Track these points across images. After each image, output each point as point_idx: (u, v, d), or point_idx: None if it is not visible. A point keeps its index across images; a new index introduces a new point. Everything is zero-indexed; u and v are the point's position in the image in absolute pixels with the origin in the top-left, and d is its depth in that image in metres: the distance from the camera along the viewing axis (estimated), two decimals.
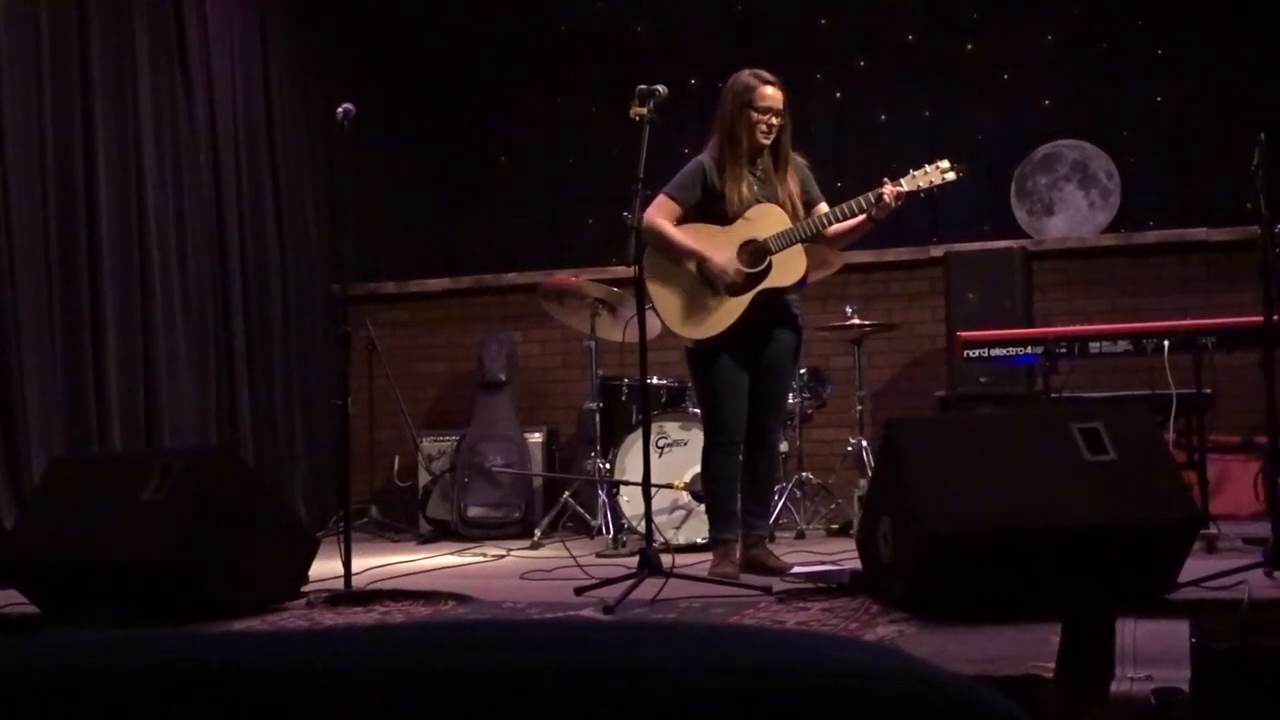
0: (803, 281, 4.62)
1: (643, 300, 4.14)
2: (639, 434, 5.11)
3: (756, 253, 4.49)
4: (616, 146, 7.34)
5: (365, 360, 7.15)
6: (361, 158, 7.56)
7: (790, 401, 6.05)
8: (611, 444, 6.03)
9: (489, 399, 7.30)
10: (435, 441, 7.34)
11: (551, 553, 5.56)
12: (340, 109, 4.41)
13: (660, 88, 4.28)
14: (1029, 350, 5.06)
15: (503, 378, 7.35)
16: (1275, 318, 3.90)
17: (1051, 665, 2.62)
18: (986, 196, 7.43)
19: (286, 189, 7.47)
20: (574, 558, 4.76)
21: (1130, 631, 2.89)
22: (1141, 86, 7.24)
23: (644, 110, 4.23)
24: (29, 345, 5.57)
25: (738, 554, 4.53)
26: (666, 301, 4.61)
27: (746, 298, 4.49)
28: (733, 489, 4.62)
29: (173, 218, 6.52)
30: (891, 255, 7.34)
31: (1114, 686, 2.75)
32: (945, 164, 4.52)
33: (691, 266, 4.51)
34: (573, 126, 7.95)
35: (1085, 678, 2.85)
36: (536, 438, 7.26)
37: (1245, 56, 6.98)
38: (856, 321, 6.27)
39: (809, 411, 6.31)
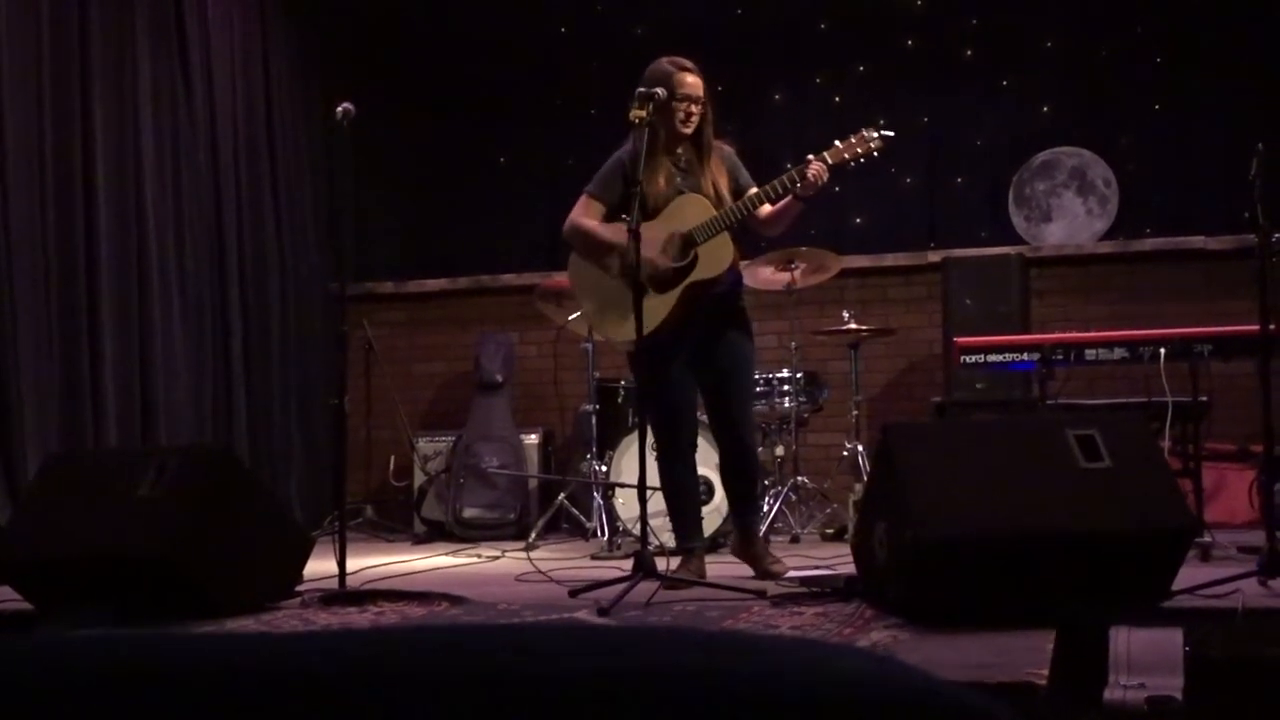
0: (735, 273, 4.53)
1: (640, 301, 4.07)
2: (635, 436, 5.10)
3: (682, 245, 4.38)
4: (616, 147, 7.34)
5: (362, 360, 7.15)
6: (361, 158, 7.57)
7: (786, 406, 6.06)
8: (607, 446, 6.03)
9: (485, 400, 7.30)
10: (431, 442, 7.33)
11: (546, 554, 5.56)
12: (340, 108, 4.41)
13: (659, 90, 4.27)
14: (1026, 357, 5.06)
15: (499, 379, 7.35)
16: (1271, 326, 3.90)
17: (1045, 672, 2.62)
18: (985, 203, 7.44)
19: (285, 188, 7.46)
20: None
21: (1124, 639, 2.89)
22: (1140, 94, 7.24)
23: (643, 113, 4.20)
24: (25, 341, 5.56)
25: (704, 562, 4.52)
26: (592, 304, 4.52)
27: (675, 293, 4.36)
28: (692, 498, 4.63)
29: (171, 215, 6.51)
30: (889, 260, 7.34)
31: (1107, 694, 2.75)
32: (872, 131, 4.36)
33: (615, 265, 4.37)
34: (573, 126, 7.95)
35: (1079, 685, 2.85)
36: (532, 439, 7.25)
37: (1244, 65, 6.98)
38: (853, 326, 6.26)
39: (805, 416, 6.30)
